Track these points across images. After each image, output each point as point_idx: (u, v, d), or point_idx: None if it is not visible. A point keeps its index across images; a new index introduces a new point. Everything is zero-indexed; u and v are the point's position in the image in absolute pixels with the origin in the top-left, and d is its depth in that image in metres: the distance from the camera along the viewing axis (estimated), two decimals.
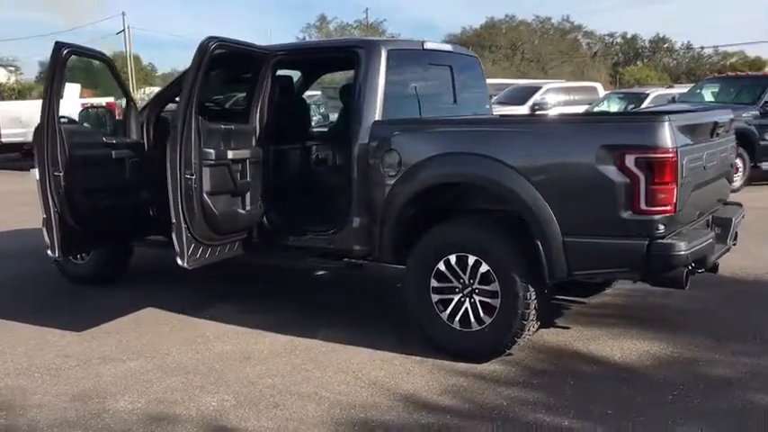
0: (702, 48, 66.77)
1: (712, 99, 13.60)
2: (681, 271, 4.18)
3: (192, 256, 4.79)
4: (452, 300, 4.65)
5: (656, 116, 4.14)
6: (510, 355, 4.64)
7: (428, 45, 5.61)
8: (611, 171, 4.09)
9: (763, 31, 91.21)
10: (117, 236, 5.91)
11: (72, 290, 6.39)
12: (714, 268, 4.76)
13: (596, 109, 15.93)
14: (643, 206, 4.06)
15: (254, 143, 5.27)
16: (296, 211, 5.58)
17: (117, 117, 6.69)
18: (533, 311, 4.44)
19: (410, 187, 4.71)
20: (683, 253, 4.09)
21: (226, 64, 5.26)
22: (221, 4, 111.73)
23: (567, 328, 5.22)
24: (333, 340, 5.03)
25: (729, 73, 17.03)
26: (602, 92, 18.90)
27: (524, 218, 4.38)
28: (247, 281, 6.63)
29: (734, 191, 7.08)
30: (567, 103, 17.02)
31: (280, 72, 5.69)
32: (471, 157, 4.49)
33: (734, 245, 5.10)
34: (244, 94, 5.65)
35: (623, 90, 22.99)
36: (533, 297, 4.40)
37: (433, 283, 4.69)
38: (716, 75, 19.66)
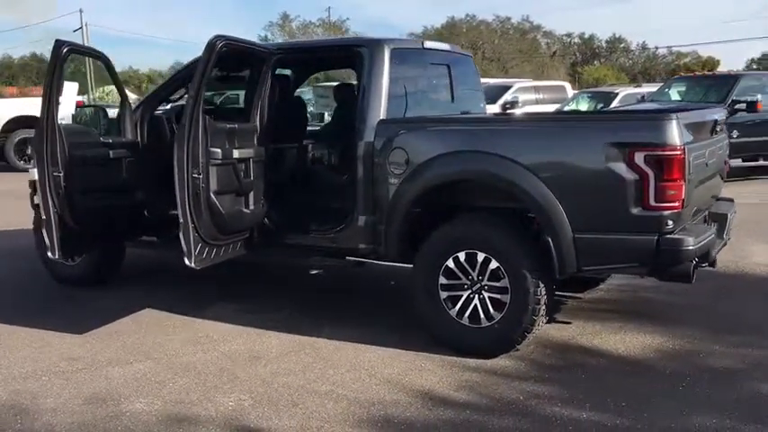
0: (657, 48, 68.29)
1: (680, 98, 13.90)
2: (688, 265, 4.30)
3: (199, 257, 4.77)
4: (461, 296, 4.70)
5: (664, 114, 4.24)
6: (517, 350, 4.70)
7: (428, 44, 5.66)
8: (620, 168, 4.18)
9: (715, 32, 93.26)
10: (115, 237, 5.84)
11: (64, 291, 6.29)
12: (713, 263, 4.89)
13: (566, 108, 16.15)
14: (652, 202, 4.16)
15: (255, 142, 5.26)
16: (298, 210, 5.58)
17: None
18: (543, 307, 4.51)
19: (418, 185, 4.74)
20: (691, 248, 4.20)
21: (225, 62, 5.22)
22: (180, 1, 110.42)
23: (568, 323, 5.31)
24: (338, 338, 5.04)
25: (697, 73, 17.40)
26: (570, 91, 19.17)
27: (535, 215, 4.45)
28: (241, 280, 6.59)
29: None
30: (536, 102, 17.24)
31: (278, 71, 5.67)
32: (481, 155, 4.54)
33: (728, 240, 5.24)
34: (238, 93, 5.64)
35: (592, 89, 23.34)
36: (543, 293, 4.48)
37: (442, 280, 4.73)
38: (683, 74, 20.07)
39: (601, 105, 15.84)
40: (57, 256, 5.16)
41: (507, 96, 17.15)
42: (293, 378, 4.40)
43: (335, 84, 7.32)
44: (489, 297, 4.62)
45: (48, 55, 5.69)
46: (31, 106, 16.44)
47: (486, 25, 63.37)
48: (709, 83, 14.11)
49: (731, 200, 5.63)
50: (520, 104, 16.59)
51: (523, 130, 4.61)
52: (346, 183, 5.37)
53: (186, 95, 6.22)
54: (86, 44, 48.31)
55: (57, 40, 5.01)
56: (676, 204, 4.18)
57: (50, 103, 5.00)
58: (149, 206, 5.96)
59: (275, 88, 5.48)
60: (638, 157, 4.14)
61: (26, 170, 17.11)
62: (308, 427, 3.77)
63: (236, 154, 4.94)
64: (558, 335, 5.07)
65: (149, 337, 5.15)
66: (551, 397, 4.09)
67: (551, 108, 16.04)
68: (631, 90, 16.80)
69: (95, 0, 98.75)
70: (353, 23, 62.18)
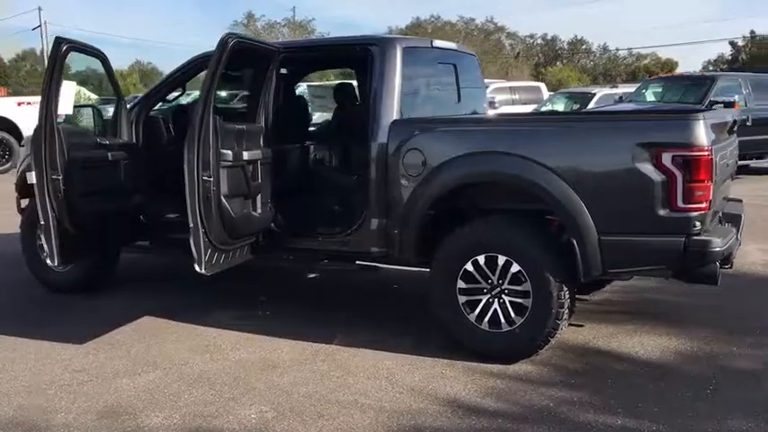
0: (618, 49, 69.16)
1: (658, 99, 14.00)
2: (714, 267, 4.25)
3: (209, 262, 4.59)
4: (480, 301, 4.60)
5: (691, 114, 4.18)
6: (537, 355, 4.61)
7: (436, 43, 5.55)
8: (647, 169, 4.11)
9: (672, 35, 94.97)
10: (113, 242, 5.63)
11: (56, 299, 6.03)
12: (732, 264, 4.85)
13: (543, 108, 16.18)
14: (680, 204, 4.10)
15: (262, 143, 5.10)
16: (304, 213, 5.43)
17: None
18: (567, 310, 4.43)
19: (437, 187, 4.62)
20: (718, 249, 4.15)
21: (232, 61, 5.06)
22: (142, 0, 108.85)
23: (581, 325, 5.23)
24: (351, 345, 4.90)
25: (674, 74, 17.55)
26: (545, 92, 19.22)
27: (558, 217, 4.37)
28: (238, 286, 6.40)
29: None
30: (513, 103, 17.25)
31: (283, 70, 5.51)
32: (503, 156, 4.44)
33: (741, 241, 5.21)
34: (237, 92, 5.48)
35: (569, 90, 23.43)
36: (567, 296, 4.39)
37: (460, 284, 4.62)
38: (659, 75, 20.27)
39: (577, 106, 15.90)
40: (56, 264, 4.95)
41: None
42: (313, 387, 4.25)
43: (335, 83, 7.15)
44: (510, 301, 4.52)
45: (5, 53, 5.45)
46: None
47: (450, 26, 63.47)
48: (686, 84, 14.25)
49: (740, 200, 5.61)
50: (497, 105, 16.57)
51: (546, 130, 4.51)
52: (356, 184, 5.24)
53: (181, 95, 6.09)
54: (45, 44, 47.40)
55: (57, 37, 4.79)
56: (704, 206, 4.13)
57: (49, 103, 4.78)
58: (146, 210, 5.76)
59: (280, 88, 5.32)
60: (666, 158, 4.07)
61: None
62: None
63: (245, 156, 4.77)
64: (574, 338, 4.99)
65: (154, 346, 4.95)
66: (582, 403, 4.01)
67: (528, 109, 16.06)
68: (608, 91, 16.89)
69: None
70: (318, 24, 61.92)
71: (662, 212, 4.12)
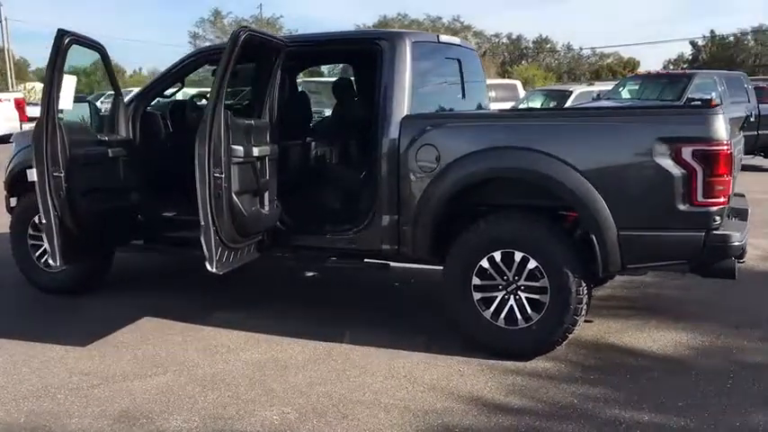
0: (582, 48, 70.01)
1: (632, 96, 14.13)
2: (732, 261, 4.26)
3: (220, 261, 4.49)
4: (495, 297, 4.56)
5: (709, 108, 4.18)
6: (551, 351, 4.58)
7: (443, 38, 5.48)
8: (667, 164, 4.10)
9: (633, 34, 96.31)
10: (113, 241, 5.47)
11: (50, 300, 5.83)
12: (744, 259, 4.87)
13: (521, 106, 16.22)
14: (700, 198, 4.10)
15: (268, 139, 4.99)
16: (310, 210, 5.34)
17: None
18: (585, 306, 4.40)
19: (452, 183, 4.56)
20: (737, 243, 4.16)
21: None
22: None
23: (590, 321, 5.21)
24: (362, 343, 4.83)
25: (651, 71, 17.72)
26: (521, 90, 19.27)
27: (578, 213, 4.35)
28: (233, 285, 6.27)
29: None
30: (490, 100, 17.19)
31: (287, 64, 5.39)
32: (521, 151, 4.40)
33: None
34: (242, 87, 5.37)
35: (546, 88, 23.53)
36: (585, 292, 4.37)
37: (475, 280, 4.58)
38: (638, 73, 20.46)
39: (554, 104, 15.97)
40: (58, 264, 4.78)
41: None
42: (331, 387, 4.17)
43: (331, 79, 7.05)
44: (526, 297, 4.48)
45: None
46: None
47: (417, 25, 63.51)
48: (663, 81, 14.41)
49: (743, 195, 5.65)
50: None
51: (565, 125, 4.47)
52: (364, 181, 5.16)
53: (180, 90, 5.96)
54: (6, 41, 46.34)
55: (59, 30, 4.62)
56: (723, 200, 4.14)
57: (51, 98, 4.62)
58: (143, 208, 5.61)
59: (285, 82, 5.22)
60: (686, 153, 4.07)
61: None
62: None
63: (255, 152, 4.67)
64: (585, 334, 4.96)
65: (160, 348, 4.82)
66: (606, 399, 3.99)
67: (505, 106, 16.06)
68: (585, 88, 17.01)
69: None
70: (285, 21, 61.47)
71: (682, 207, 4.12)
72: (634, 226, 4.23)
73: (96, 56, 5.25)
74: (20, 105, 21.60)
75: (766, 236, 7.53)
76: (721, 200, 4.13)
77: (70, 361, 4.60)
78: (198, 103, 6.56)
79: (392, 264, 5.20)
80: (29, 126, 22.60)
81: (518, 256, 4.45)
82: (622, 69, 60.18)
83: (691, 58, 60.98)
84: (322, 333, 5.00)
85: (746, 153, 13.22)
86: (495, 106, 15.72)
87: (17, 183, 6.01)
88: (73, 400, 4.04)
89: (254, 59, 5.03)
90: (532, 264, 4.42)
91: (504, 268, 4.51)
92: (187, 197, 5.71)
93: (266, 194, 4.92)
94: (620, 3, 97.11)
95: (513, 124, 4.71)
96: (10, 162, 6.16)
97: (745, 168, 5.85)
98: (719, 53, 56.53)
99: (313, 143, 5.90)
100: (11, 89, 39.54)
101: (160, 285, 6.39)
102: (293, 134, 5.55)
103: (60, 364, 4.56)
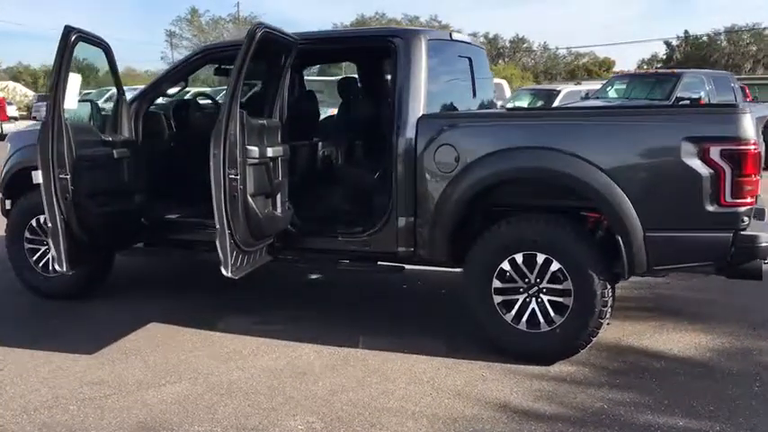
0: (558, 48, 70.38)
1: (625, 95, 14.14)
2: (759, 262, 4.20)
3: (235, 265, 4.35)
4: (516, 300, 4.47)
5: (737, 107, 4.12)
6: (574, 355, 4.51)
7: (455, 36, 5.38)
8: (695, 164, 4.03)
9: (611, 34, 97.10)
10: (117, 244, 5.31)
11: (51, 306, 5.65)
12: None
13: (509, 105, 16.16)
14: (728, 198, 4.03)
15: (279, 139, 4.87)
16: (322, 212, 5.21)
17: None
18: (609, 309, 4.33)
19: (472, 184, 4.46)
20: (765, 244, 4.10)
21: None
22: None
23: (607, 323, 5.14)
24: (379, 348, 4.72)
25: (638, 71, 17.75)
26: (507, 90, 19.19)
27: (604, 213, 4.27)
28: (236, 289, 6.09)
29: None
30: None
31: (295, 62, 5.26)
32: (544, 151, 4.31)
33: None
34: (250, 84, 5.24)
35: (533, 87, 23.50)
36: (610, 294, 4.30)
37: (496, 283, 4.49)
38: (625, 72, 20.52)
39: (541, 103, 15.95)
40: (65, 270, 4.62)
41: None
42: (353, 395, 4.06)
43: (338, 78, 6.91)
44: (549, 300, 4.40)
45: None
46: None
47: (396, 23, 63.44)
48: (652, 80, 14.43)
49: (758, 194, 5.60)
50: None
51: (589, 124, 4.38)
52: (377, 182, 5.05)
53: (182, 89, 5.80)
54: None
55: (66, 26, 4.46)
56: (751, 200, 4.08)
57: (57, 97, 4.46)
58: (146, 210, 5.45)
59: (294, 81, 5.10)
60: (714, 152, 4.00)
61: None
62: None
63: (269, 152, 4.54)
64: (604, 336, 4.85)
65: (171, 354, 4.67)
66: (636, 404, 3.91)
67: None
68: (573, 88, 17.01)
69: None
70: (263, 20, 60.92)
71: (709, 207, 4.05)
72: (660, 227, 4.15)
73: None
74: (0, 105, 21.15)
75: None
76: (749, 200, 4.07)
77: (79, 369, 4.44)
78: (201, 103, 6.41)
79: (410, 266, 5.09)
80: (11, 126, 22.30)
81: (540, 258, 4.36)
82: (598, 69, 60.65)
83: (665, 57, 61.43)
84: (335, 337, 4.89)
85: None
86: None
87: (13, 185, 5.82)
88: (87, 411, 3.89)
89: (264, 57, 4.89)
90: (555, 266, 4.33)
91: (525, 271, 4.42)
92: (191, 199, 5.60)
93: (279, 196, 4.79)
94: (594, 3, 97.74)
95: (536, 123, 4.61)
96: (6, 163, 5.96)
97: None
98: (693, 53, 56.95)
99: (320, 143, 5.76)
100: None
101: (163, 289, 6.23)
102: (302, 134, 5.41)
103: (70, 372, 4.40)
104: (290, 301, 5.88)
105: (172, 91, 5.80)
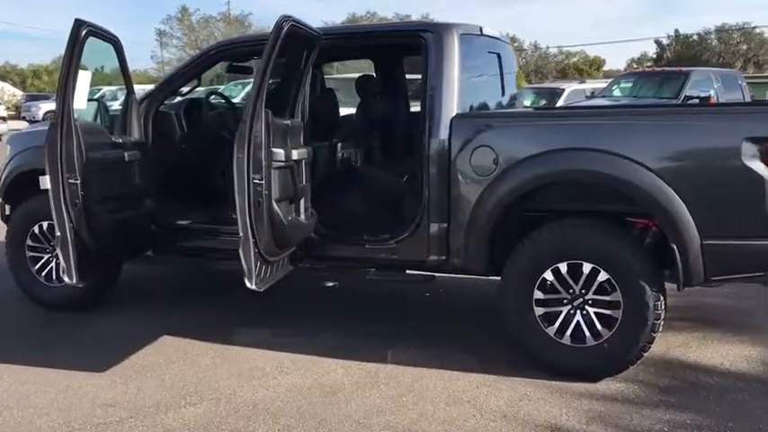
0: (548, 47, 70.29)
1: (633, 94, 13.90)
2: None
3: (259, 276, 4.04)
4: (560, 313, 4.18)
5: None
6: (622, 372, 4.22)
7: (485, 30, 5.08)
8: (757, 166, 3.76)
9: (601, 33, 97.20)
10: (128, 253, 4.99)
11: (56, 318, 5.31)
12: None
13: None
14: None
15: (302, 141, 4.56)
16: (347, 219, 4.91)
17: None
18: (662, 322, 4.05)
19: (513, 188, 4.17)
20: None
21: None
22: None
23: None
24: (409, 364, 4.42)
25: (647, 69, 17.53)
26: None
27: (657, 220, 3.98)
28: (250, 298, 5.80)
29: None
30: None
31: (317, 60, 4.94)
32: (592, 152, 4.02)
33: None
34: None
35: (536, 85, 23.23)
36: (663, 306, 4.01)
37: (537, 294, 4.19)
38: (632, 70, 20.30)
39: (545, 102, 15.68)
40: (74, 281, 4.29)
41: None
42: (391, 417, 3.75)
43: (356, 76, 6.58)
44: (595, 313, 4.11)
45: None
46: None
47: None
48: (660, 79, 14.19)
49: None
50: None
51: (641, 124, 4.09)
52: (406, 186, 4.75)
53: (195, 88, 5.49)
54: None
55: (76, 20, 4.13)
56: None
57: (66, 96, 4.14)
58: (156, 216, 5.14)
59: (317, 79, 4.79)
60: None
61: None
62: None
63: (294, 155, 4.23)
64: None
65: (188, 372, 4.35)
66: (698, 427, 3.62)
67: None
68: (578, 86, 16.73)
69: None
70: (254, 18, 60.57)
71: None
72: (719, 234, 3.87)
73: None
74: None
75: None
76: None
77: (90, 389, 4.12)
78: (214, 102, 6.08)
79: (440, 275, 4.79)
80: (2, 126, 21.83)
81: (587, 267, 4.07)
82: (588, 68, 60.60)
83: (655, 56, 61.36)
84: (361, 352, 4.58)
85: None
86: None
87: (14, 189, 5.49)
88: None
89: (287, 52, 4.57)
90: (603, 276, 4.04)
91: (570, 281, 4.13)
92: (203, 204, 5.28)
93: (302, 201, 4.48)
94: (584, 2, 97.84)
95: (581, 123, 4.31)
96: (5, 166, 5.63)
97: None
98: (684, 52, 56.88)
99: (339, 144, 5.43)
100: None
101: (173, 299, 5.89)
102: (322, 135, 5.10)
103: (81, 393, 4.07)
104: (306, 311, 5.55)
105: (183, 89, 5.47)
